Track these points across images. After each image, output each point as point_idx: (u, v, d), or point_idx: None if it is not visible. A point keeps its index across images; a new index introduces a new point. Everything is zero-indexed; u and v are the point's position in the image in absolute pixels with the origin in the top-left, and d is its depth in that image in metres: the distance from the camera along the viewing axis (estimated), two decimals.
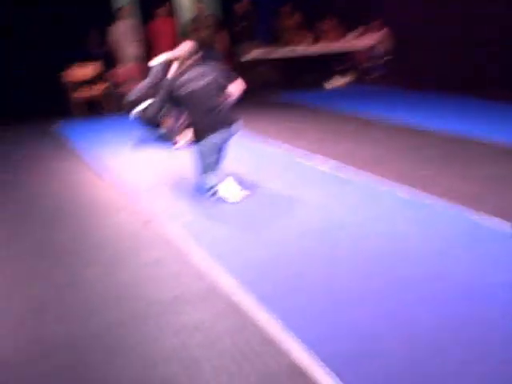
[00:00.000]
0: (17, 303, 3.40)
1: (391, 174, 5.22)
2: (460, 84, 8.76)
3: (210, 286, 3.35)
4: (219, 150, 4.89)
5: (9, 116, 9.54)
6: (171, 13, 10.89)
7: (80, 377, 2.62)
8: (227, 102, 4.98)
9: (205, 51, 7.29)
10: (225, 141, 4.89)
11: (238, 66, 10.74)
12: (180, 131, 6.73)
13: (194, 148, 4.91)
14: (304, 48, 11.41)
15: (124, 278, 3.59)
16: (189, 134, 4.92)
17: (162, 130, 7.09)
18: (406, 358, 2.56)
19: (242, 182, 5.15)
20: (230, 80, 5.03)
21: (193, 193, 5.13)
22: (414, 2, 10.20)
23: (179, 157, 6.30)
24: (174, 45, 5.46)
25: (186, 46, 5.10)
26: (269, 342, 2.73)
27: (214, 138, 4.79)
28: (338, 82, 11.26)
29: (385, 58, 10.85)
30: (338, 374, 2.46)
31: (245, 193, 4.87)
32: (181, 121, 6.53)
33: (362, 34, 11.35)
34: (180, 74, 4.93)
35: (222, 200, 4.85)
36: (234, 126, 4.91)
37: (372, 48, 11.06)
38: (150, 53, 10.07)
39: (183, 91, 4.81)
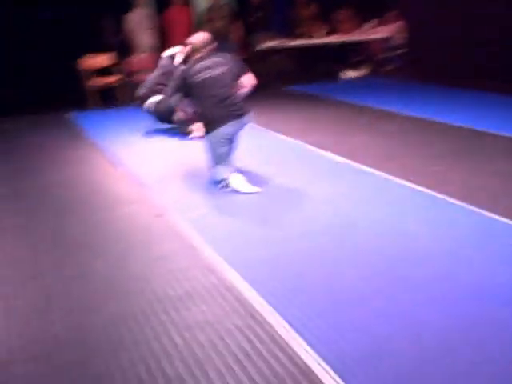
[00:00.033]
0: (26, 295, 3.41)
1: (403, 170, 5.19)
2: (475, 77, 8.69)
3: (219, 282, 3.35)
4: (230, 141, 4.89)
5: (22, 105, 9.57)
6: (187, 2, 10.85)
7: (88, 373, 2.63)
8: (239, 94, 4.98)
9: (219, 42, 7.29)
10: (236, 132, 4.89)
11: (252, 56, 10.72)
12: (192, 122, 6.73)
13: (206, 139, 4.91)
14: (319, 38, 11.36)
15: (134, 271, 3.59)
16: (201, 125, 4.92)
17: (175, 122, 7.10)
18: (415, 358, 2.55)
19: (253, 176, 5.15)
20: (243, 72, 5.03)
21: (205, 185, 5.14)
22: None
23: (192, 148, 6.30)
24: (189, 34, 5.44)
25: (200, 37, 5.09)
26: (275, 342, 2.72)
27: (225, 129, 4.79)
28: (352, 73, 11.20)
29: (400, 51, 10.78)
30: (345, 375, 2.46)
31: (256, 189, 4.86)
32: (193, 112, 6.53)
33: (377, 26, 11.30)
34: (194, 62, 4.94)
35: (233, 192, 4.85)
36: (245, 117, 4.91)
37: (387, 40, 11.00)
38: (165, 42, 10.10)
39: (196, 79, 4.81)
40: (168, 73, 7.11)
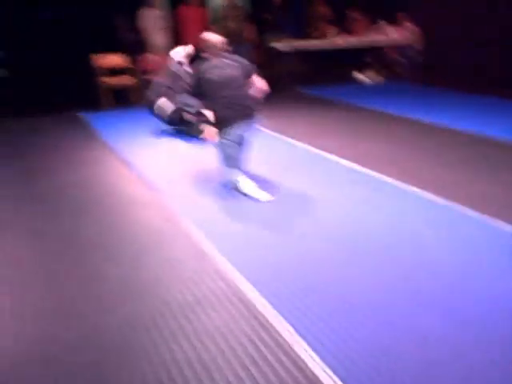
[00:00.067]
0: (40, 296, 3.48)
1: (415, 176, 5.26)
2: (490, 84, 8.69)
3: (227, 287, 3.41)
4: (241, 142, 4.94)
5: (36, 104, 9.66)
6: (203, 2, 10.90)
7: (101, 375, 2.69)
8: (250, 95, 5.02)
9: (233, 43, 7.36)
10: (247, 133, 4.94)
11: (265, 57, 10.76)
12: (205, 124, 6.79)
13: (218, 140, 4.97)
14: (333, 41, 11.37)
15: (146, 274, 3.66)
16: (210, 127, 4.96)
17: (187, 124, 7.17)
18: (421, 363, 2.61)
19: (263, 180, 5.22)
20: (255, 74, 5.08)
21: (216, 188, 5.21)
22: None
23: (203, 150, 6.37)
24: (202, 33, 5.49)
25: (216, 37, 5.13)
26: (280, 347, 2.78)
27: (236, 130, 4.85)
28: (365, 76, 11.22)
29: (415, 56, 10.78)
30: (349, 380, 2.52)
31: (267, 197, 4.90)
32: (205, 114, 6.61)
33: (387, 27, 11.29)
34: (208, 61, 4.99)
35: (243, 196, 4.92)
36: (256, 119, 4.96)
37: (403, 44, 10.99)
38: (179, 41, 10.15)
39: (208, 77, 4.86)
40: (176, 77, 7.23)
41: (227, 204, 4.87)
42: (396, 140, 6.72)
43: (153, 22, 10.04)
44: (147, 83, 8.50)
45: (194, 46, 7.34)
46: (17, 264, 3.95)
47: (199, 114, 6.71)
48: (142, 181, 5.62)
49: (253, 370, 2.63)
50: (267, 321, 3.04)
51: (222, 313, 3.14)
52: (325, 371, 2.59)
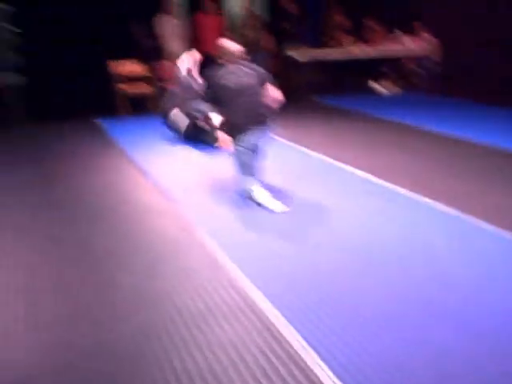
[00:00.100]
0: (55, 303, 3.51)
1: (429, 187, 5.26)
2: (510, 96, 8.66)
3: (240, 299, 3.43)
4: (256, 149, 4.96)
5: (54, 110, 9.75)
6: (220, 10, 10.98)
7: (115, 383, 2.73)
8: (265, 103, 5.05)
9: (251, 51, 7.41)
10: (261, 140, 4.96)
11: (282, 67, 10.80)
12: (220, 133, 6.84)
13: (233, 148, 5.00)
14: (350, 50, 11.39)
15: (159, 284, 3.68)
16: (226, 136, 4.99)
17: (202, 135, 7.23)
18: (436, 377, 2.61)
19: (278, 190, 5.24)
20: (271, 83, 5.11)
21: (231, 197, 5.24)
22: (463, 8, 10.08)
23: (219, 159, 6.41)
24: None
25: (234, 45, 5.16)
26: (296, 364, 2.77)
27: (250, 136, 4.88)
28: (382, 86, 11.22)
29: (432, 67, 10.76)
30: None
31: (282, 208, 4.92)
32: (211, 117, 6.66)
33: (403, 37, 11.29)
34: (224, 67, 5.02)
35: (258, 206, 4.94)
36: (270, 126, 4.98)
37: (420, 55, 10.99)
38: (196, 49, 10.21)
39: (224, 83, 4.89)
40: (185, 85, 7.34)
41: (242, 213, 4.89)
42: (411, 151, 6.72)
43: (170, 29, 10.11)
44: (164, 91, 8.57)
45: (211, 53, 7.41)
46: (32, 270, 4.00)
47: (206, 118, 6.76)
48: (158, 189, 5.66)
49: (264, 382, 2.64)
50: (279, 332, 3.05)
51: (234, 324, 3.16)
52: None
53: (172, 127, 7.64)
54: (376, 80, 11.28)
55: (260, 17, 11.20)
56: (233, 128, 4.93)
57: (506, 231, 4.23)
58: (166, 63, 9.97)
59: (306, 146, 7.06)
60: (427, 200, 4.97)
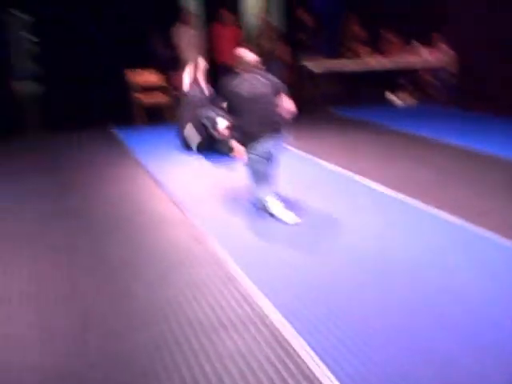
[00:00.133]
0: (66, 313, 3.56)
1: (441, 200, 5.25)
2: None
3: (252, 312, 3.45)
4: (270, 157, 5.00)
5: (70, 119, 9.87)
6: (238, 21, 11.07)
7: None
8: (278, 112, 5.09)
9: (266, 62, 7.48)
10: (274, 148, 5.00)
11: (297, 77, 10.86)
12: (234, 143, 6.91)
13: (246, 156, 5.04)
14: (366, 61, 11.41)
15: (171, 294, 3.73)
16: (241, 146, 5.04)
17: (216, 145, 7.30)
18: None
19: (292, 202, 5.28)
20: (285, 93, 5.16)
21: (246, 207, 5.30)
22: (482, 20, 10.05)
23: (234, 169, 6.46)
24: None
25: (250, 54, 5.22)
26: (305, 375, 2.78)
27: (263, 144, 4.92)
28: (398, 98, 11.22)
29: (448, 79, 10.75)
30: None
31: (295, 219, 4.95)
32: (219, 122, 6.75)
33: (421, 48, 11.29)
34: (239, 76, 5.09)
35: (271, 218, 4.98)
36: (284, 134, 5.03)
37: (436, 66, 10.98)
38: (213, 59, 10.32)
39: (237, 92, 4.95)
40: (196, 98, 7.50)
41: (254, 224, 4.94)
42: (425, 163, 6.72)
43: (187, 39, 10.20)
44: (179, 101, 8.65)
45: (228, 63, 7.51)
46: (47, 278, 4.07)
47: (214, 124, 6.85)
48: (173, 199, 5.72)
49: None
50: (288, 343, 3.07)
51: (243, 334, 3.19)
52: None
53: (185, 143, 7.73)
54: (392, 91, 11.28)
55: (276, 28, 11.28)
56: (246, 136, 4.98)
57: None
58: (182, 73, 10.06)
59: (319, 157, 7.09)
60: (439, 212, 4.98)
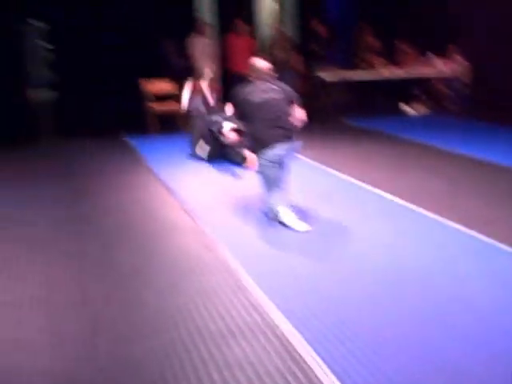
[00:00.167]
0: (79, 318, 3.58)
1: (455, 211, 5.23)
2: None
3: (261, 320, 3.43)
4: (281, 164, 5.00)
5: (84, 127, 9.94)
6: (252, 32, 11.12)
7: None
8: (290, 120, 5.10)
9: (279, 70, 7.51)
10: (286, 155, 5.00)
11: (311, 88, 10.88)
12: (247, 152, 6.94)
13: (258, 162, 5.05)
14: (380, 72, 11.40)
15: (181, 302, 3.73)
16: (251, 151, 5.05)
17: (229, 154, 7.34)
18: None
19: (303, 211, 5.27)
20: (297, 102, 5.18)
21: (257, 216, 5.30)
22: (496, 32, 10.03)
23: (246, 178, 6.48)
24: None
25: (263, 62, 5.26)
26: None
27: (275, 151, 4.91)
28: (412, 108, 11.21)
29: (461, 89, 10.73)
30: None
31: (306, 227, 4.95)
32: (224, 126, 6.77)
33: (436, 60, 11.27)
34: (252, 83, 5.12)
35: (283, 227, 4.98)
36: (294, 142, 5.03)
37: (451, 77, 10.96)
38: (226, 69, 10.38)
39: (249, 99, 4.97)
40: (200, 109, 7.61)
41: (265, 232, 4.95)
42: (437, 173, 6.70)
43: (201, 49, 10.25)
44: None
45: (241, 72, 7.55)
46: (57, 284, 4.09)
47: (220, 128, 6.89)
48: (184, 207, 5.74)
49: None
50: (298, 353, 3.06)
51: (253, 343, 3.18)
52: None
53: (197, 156, 7.81)
54: (406, 102, 11.27)
55: (290, 38, 11.31)
56: (257, 142, 5.00)
57: None
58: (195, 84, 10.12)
59: (331, 167, 7.09)
60: (451, 223, 4.96)
